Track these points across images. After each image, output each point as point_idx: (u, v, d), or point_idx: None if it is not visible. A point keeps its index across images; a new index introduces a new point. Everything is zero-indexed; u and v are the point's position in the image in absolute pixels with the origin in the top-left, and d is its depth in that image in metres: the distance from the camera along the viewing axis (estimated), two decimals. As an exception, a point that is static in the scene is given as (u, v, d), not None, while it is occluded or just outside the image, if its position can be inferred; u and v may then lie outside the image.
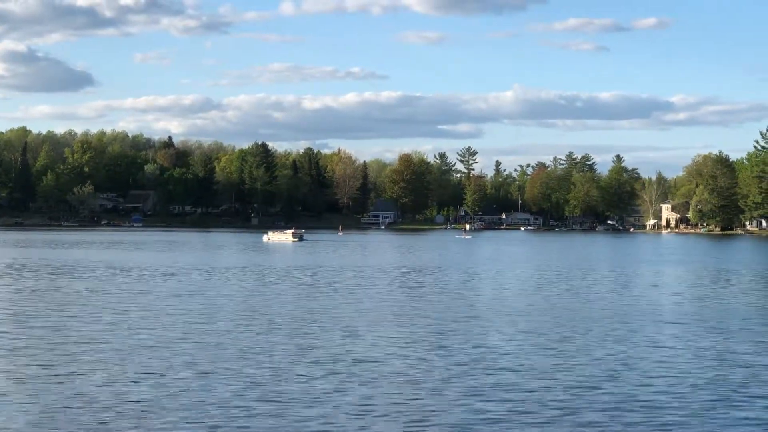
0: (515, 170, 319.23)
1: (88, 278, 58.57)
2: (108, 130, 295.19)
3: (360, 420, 19.97)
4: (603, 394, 22.95)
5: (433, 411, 20.86)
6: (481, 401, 21.87)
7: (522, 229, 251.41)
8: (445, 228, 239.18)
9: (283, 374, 24.91)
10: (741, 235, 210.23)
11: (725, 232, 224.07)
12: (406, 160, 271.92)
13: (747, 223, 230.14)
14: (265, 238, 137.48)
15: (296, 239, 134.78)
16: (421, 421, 20.00)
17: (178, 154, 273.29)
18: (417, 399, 22.00)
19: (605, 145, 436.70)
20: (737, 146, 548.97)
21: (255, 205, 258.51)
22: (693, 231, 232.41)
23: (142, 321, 36.07)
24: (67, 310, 40.00)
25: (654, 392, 23.24)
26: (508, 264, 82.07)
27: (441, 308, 42.04)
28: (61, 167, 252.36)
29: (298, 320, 36.88)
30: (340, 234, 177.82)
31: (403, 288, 53.51)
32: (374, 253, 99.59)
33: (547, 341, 31.51)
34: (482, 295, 49.13)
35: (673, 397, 22.66)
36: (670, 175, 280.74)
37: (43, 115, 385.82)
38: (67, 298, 45.58)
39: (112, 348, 29.08)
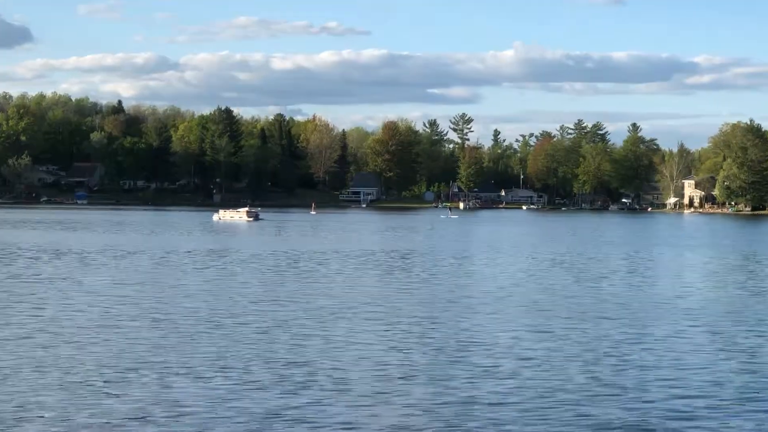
0: (516, 141, 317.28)
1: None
2: (48, 92, 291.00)
3: None
4: (616, 394, 23.07)
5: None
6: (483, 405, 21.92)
7: (524, 207, 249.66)
8: (436, 206, 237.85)
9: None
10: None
11: (756, 212, 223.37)
12: (390, 128, 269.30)
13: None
14: (215, 217, 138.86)
15: (251, 219, 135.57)
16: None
17: (128, 121, 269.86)
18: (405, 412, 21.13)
19: (619, 112, 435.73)
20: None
21: (217, 180, 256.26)
22: (719, 211, 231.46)
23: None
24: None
25: (674, 396, 22.98)
26: (501, 248, 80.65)
27: (417, 302, 39.70)
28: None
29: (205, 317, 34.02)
30: (312, 213, 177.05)
31: (352, 280, 51.54)
32: (336, 236, 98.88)
33: (548, 337, 31.17)
34: (473, 286, 48.22)
35: (695, 400, 22.52)
36: (694, 146, 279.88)
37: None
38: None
39: None
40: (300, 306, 38.57)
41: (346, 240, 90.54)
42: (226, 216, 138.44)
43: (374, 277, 52.17)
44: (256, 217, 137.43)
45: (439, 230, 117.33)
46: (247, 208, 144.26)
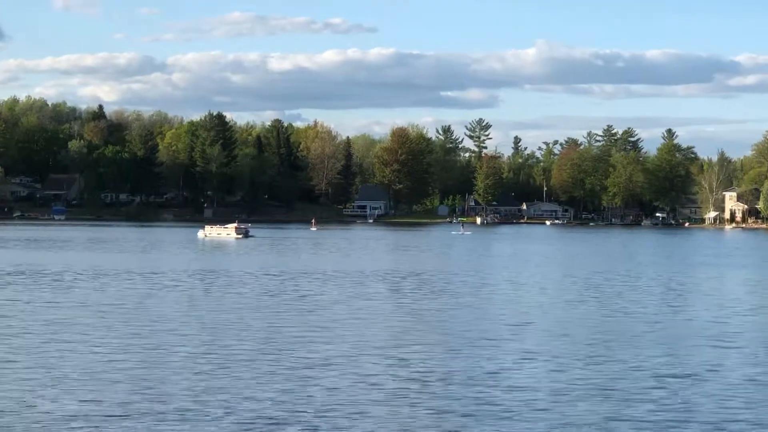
0: (539, 149, 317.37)
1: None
2: (22, 96, 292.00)
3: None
4: None
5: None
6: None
7: (547, 223, 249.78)
8: (450, 221, 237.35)
9: None
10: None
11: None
12: (400, 135, 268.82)
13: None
14: (200, 234, 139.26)
15: (240, 236, 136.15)
16: None
17: (110, 128, 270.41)
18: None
19: (653, 117, 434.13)
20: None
21: (209, 193, 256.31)
22: (764, 226, 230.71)
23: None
24: None
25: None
26: (518, 270, 79.93)
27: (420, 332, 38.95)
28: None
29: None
30: (312, 229, 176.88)
31: (351, 307, 50.42)
32: (335, 256, 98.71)
33: (568, 369, 31.06)
34: (488, 309, 48.64)
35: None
36: (736, 155, 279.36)
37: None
38: None
39: None
40: (297, 336, 37.86)
41: (346, 260, 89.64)
42: (212, 233, 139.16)
43: (375, 304, 51.00)
44: (246, 234, 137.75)
45: (448, 249, 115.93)
46: (235, 224, 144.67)
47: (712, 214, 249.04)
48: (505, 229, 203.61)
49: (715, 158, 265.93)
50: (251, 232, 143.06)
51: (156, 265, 76.91)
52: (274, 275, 68.46)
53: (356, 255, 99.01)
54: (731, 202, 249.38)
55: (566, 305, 51.18)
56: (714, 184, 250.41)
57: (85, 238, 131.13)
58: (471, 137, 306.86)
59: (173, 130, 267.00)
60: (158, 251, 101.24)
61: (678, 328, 42.27)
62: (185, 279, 64.36)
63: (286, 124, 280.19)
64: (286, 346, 35.28)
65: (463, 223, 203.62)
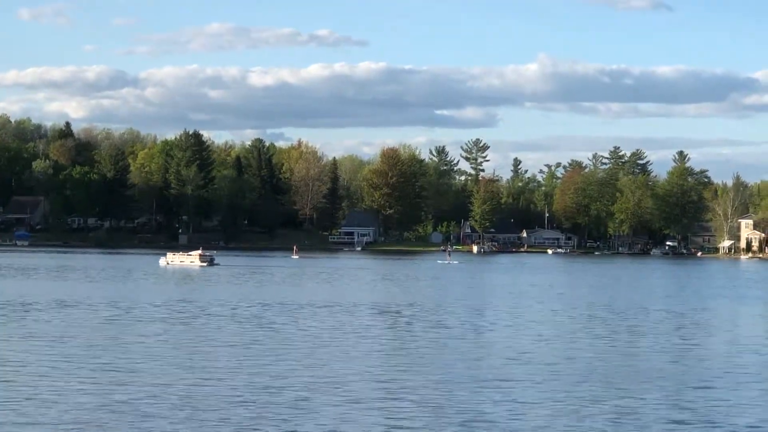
0: (540, 172, 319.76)
1: None
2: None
3: None
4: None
5: None
6: None
7: (549, 251, 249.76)
8: (444, 250, 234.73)
9: None
10: None
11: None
12: (390, 156, 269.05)
13: None
14: (162, 261, 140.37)
15: (205, 263, 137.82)
16: None
17: (78, 147, 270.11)
18: None
19: (664, 138, 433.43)
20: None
21: (184, 218, 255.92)
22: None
23: None
24: None
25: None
26: (510, 304, 78.79)
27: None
28: None
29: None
30: (294, 257, 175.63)
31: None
32: (307, 289, 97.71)
33: (577, 410, 31.44)
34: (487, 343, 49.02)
35: None
36: (752, 179, 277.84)
37: None
38: None
39: None
40: (268, 378, 37.29)
41: (307, 292, 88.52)
42: (175, 260, 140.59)
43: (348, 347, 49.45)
44: (211, 262, 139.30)
45: (428, 282, 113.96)
46: (200, 251, 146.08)
47: (727, 242, 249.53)
48: (503, 259, 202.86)
49: (730, 183, 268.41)
50: (217, 259, 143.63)
51: (94, 296, 75.57)
52: (229, 308, 67.06)
53: (325, 287, 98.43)
54: (747, 230, 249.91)
55: (564, 340, 50.09)
56: (729, 210, 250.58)
57: (43, 265, 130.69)
58: (467, 159, 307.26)
59: (146, 150, 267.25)
60: (109, 281, 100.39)
61: (686, 364, 41.74)
62: (117, 311, 63.07)
63: (267, 144, 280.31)
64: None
65: (449, 252, 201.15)
